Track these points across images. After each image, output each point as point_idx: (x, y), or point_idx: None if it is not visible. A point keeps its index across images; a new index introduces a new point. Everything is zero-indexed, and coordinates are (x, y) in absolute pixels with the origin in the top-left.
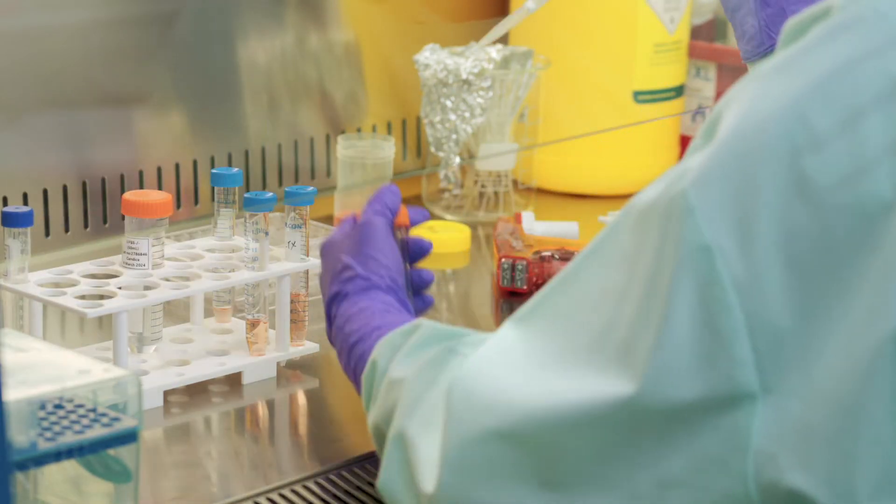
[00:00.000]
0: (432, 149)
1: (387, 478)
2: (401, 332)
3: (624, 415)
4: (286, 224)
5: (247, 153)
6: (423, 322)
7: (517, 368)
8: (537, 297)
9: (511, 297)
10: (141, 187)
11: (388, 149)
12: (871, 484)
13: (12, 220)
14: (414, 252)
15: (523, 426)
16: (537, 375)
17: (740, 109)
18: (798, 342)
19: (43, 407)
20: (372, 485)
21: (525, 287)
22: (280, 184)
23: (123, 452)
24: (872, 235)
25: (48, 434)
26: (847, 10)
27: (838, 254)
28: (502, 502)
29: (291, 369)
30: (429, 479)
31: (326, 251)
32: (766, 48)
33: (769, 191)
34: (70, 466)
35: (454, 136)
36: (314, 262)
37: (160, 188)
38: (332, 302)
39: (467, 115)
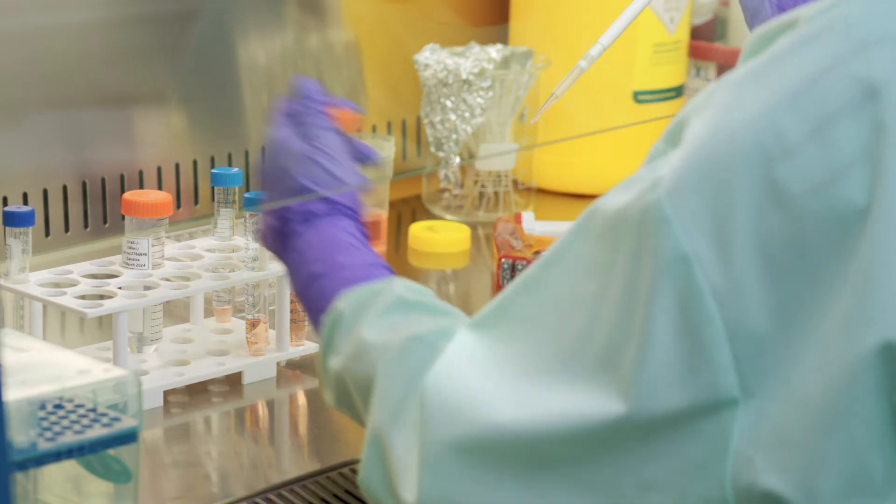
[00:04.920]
0: (432, 149)
1: (366, 476)
2: (371, 290)
3: (612, 430)
4: None
5: (247, 153)
6: (395, 282)
7: (487, 376)
8: (496, 302)
9: None
10: (141, 187)
11: (388, 149)
12: (840, 486)
13: (14, 220)
14: (360, 157)
15: (502, 436)
16: (510, 384)
17: (711, 118)
18: (776, 347)
19: (43, 407)
20: None
21: None
22: None
23: (123, 452)
24: (847, 241)
25: (48, 434)
26: (815, 21)
27: (814, 260)
28: None
29: (291, 369)
30: (409, 487)
31: (283, 159)
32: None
33: (744, 199)
34: (70, 466)
35: (454, 136)
36: None
37: (160, 188)
38: (294, 221)
39: (467, 115)
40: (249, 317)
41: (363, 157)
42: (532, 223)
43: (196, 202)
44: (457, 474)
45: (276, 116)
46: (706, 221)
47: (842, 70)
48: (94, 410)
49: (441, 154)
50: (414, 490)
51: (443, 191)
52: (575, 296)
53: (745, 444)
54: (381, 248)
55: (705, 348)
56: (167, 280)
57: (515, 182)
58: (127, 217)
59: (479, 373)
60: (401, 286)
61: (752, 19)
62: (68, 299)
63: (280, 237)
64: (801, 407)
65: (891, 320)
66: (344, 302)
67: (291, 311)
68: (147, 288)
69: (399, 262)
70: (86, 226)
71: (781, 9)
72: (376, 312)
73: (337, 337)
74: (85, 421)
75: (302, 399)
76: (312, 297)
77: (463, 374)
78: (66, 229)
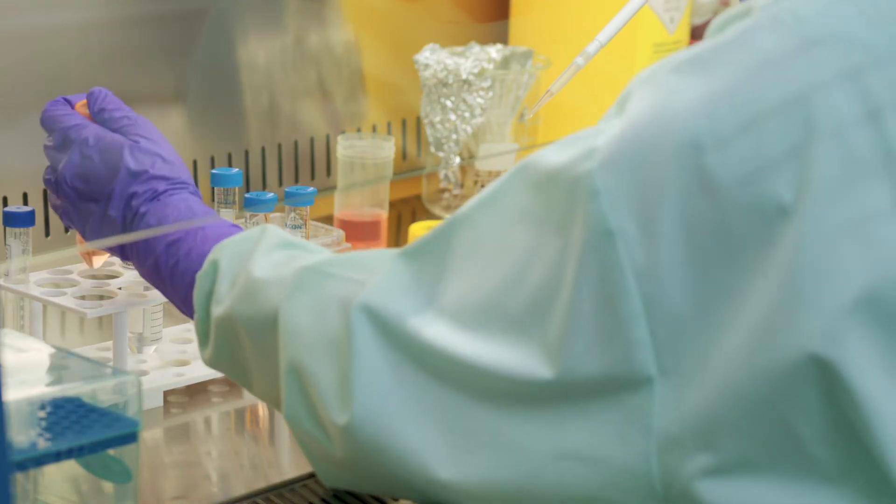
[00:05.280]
0: (432, 149)
1: (291, 410)
2: (245, 238)
3: (533, 389)
4: (286, 224)
5: (247, 153)
6: (268, 227)
7: (415, 302)
8: (429, 235)
9: None
10: None
11: (388, 149)
12: (780, 465)
13: (14, 220)
14: None
15: (433, 350)
16: (438, 314)
17: (651, 98)
18: (696, 329)
19: (43, 407)
20: None
21: None
22: (280, 184)
23: (123, 452)
24: (770, 235)
25: (48, 434)
26: (765, 11)
27: (737, 249)
28: (413, 434)
29: None
30: (338, 411)
31: (105, 152)
32: None
33: (673, 183)
34: (70, 466)
35: (454, 136)
36: None
37: None
38: (140, 205)
39: (467, 115)
40: None
41: None
42: None
43: None
44: (389, 386)
45: (74, 120)
46: (634, 200)
47: (782, 66)
48: (94, 410)
49: (441, 154)
50: (345, 410)
51: (443, 191)
52: (505, 242)
53: (668, 423)
54: (380, 248)
55: (623, 322)
56: None
57: None
58: None
59: (409, 298)
60: (275, 229)
61: None
62: (68, 299)
63: (124, 224)
64: (728, 393)
65: (815, 331)
66: (219, 253)
67: None
68: (147, 288)
69: None
70: None
71: None
72: (261, 253)
73: (218, 287)
74: (85, 421)
75: None
76: (177, 263)
77: (393, 298)
78: (66, 229)
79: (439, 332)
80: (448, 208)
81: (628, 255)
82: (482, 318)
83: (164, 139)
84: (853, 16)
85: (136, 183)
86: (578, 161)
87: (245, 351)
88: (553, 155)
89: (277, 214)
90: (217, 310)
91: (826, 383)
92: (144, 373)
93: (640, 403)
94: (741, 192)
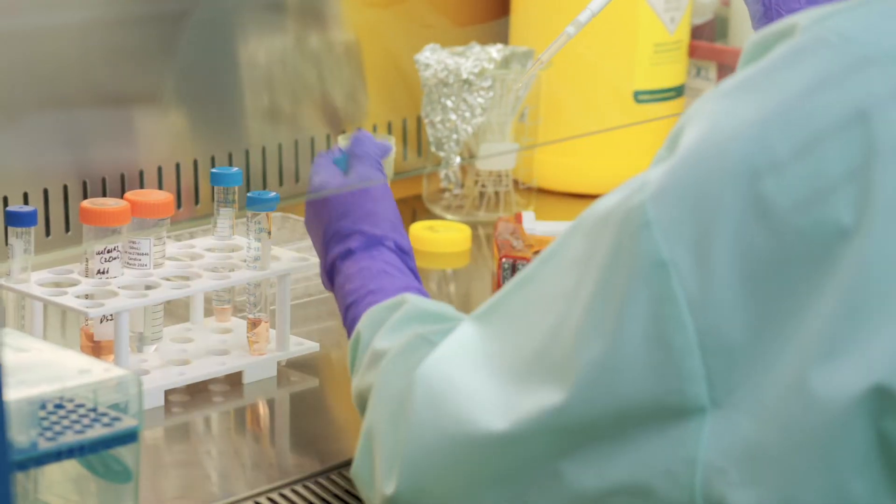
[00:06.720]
0: (433, 149)
1: (356, 467)
2: (385, 306)
3: (561, 421)
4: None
5: (247, 153)
6: (409, 298)
7: (476, 372)
8: (497, 296)
9: None
10: (141, 187)
11: None
12: (815, 494)
13: (16, 220)
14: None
15: (483, 439)
16: (496, 383)
17: (703, 127)
18: (749, 359)
19: (43, 407)
20: None
21: None
22: (280, 184)
23: (124, 452)
24: (828, 259)
25: (48, 434)
26: (810, 32)
27: (793, 276)
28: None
29: (292, 369)
30: (389, 480)
31: (321, 206)
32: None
33: (727, 210)
34: (70, 466)
35: (455, 136)
36: (316, 262)
37: (160, 188)
38: (336, 259)
39: (468, 114)
40: (251, 316)
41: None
42: (532, 223)
43: (196, 202)
44: (434, 472)
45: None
46: (687, 229)
47: (834, 87)
48: (94, 410)
49: (441, 154)
50: (393, 483)
51: (443, 190)
52: (555, 293)
53: (715, 456)
54: None
55: (675, 355)
56: (167, 280)
57: (516, 182)
58: None
59: (469, 368)
60: (416, 298)
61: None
62: (69, 299)
63: (328, 276)
64: (777, 423)
65: (882, 360)
66: (363, 323)
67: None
68: (148, 288)
69: None
70: None
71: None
72: (390, 326)
73: (357, 357)
74: (85, 421)
75: (302, 399)
76: (348, 327)
77: (453, 368)
78: (67, 229)
79: (493, 412)
80: (448, 208)
81: (682, 286)
82: (533, 367)
83: (381, 197)
84: None
85: (338, 241)
86: (630, 196)
87: None
88: (607, 199)
89: (279, 214)
90: (354, 381)
91: (882, 413)
92: (145, 372)
93: (688, 436)
94: (798, 217)
